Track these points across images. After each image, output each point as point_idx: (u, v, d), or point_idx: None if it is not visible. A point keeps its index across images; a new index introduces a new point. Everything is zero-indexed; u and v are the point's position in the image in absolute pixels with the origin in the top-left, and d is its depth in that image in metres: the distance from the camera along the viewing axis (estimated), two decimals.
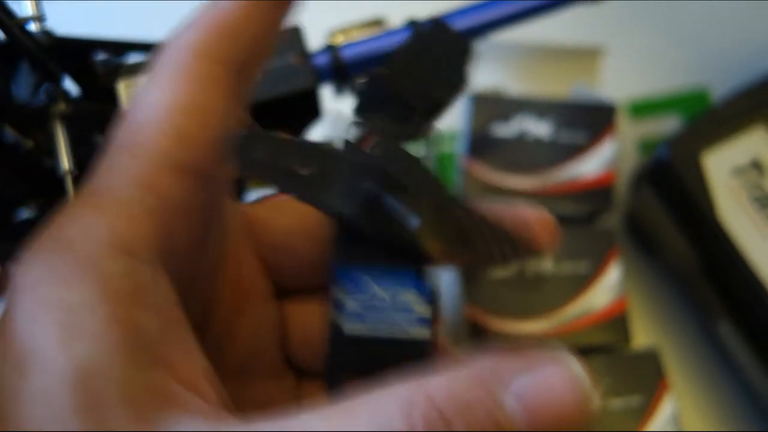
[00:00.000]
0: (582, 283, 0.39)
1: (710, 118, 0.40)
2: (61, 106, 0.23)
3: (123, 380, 0.16)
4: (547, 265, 0.40)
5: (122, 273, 0.17)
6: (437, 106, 0.21)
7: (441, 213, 0.18)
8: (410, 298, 0.18)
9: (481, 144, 0.42)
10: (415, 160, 0.20)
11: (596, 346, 0.38)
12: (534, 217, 0.21)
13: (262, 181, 0.18)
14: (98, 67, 0.26)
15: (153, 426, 0.16)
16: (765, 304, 0.37)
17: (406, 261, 0.18)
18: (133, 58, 0.28)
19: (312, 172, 0.18)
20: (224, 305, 0.22)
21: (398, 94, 0.20)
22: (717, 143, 0.40)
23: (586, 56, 0.48)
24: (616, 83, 0.49)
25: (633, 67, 0.50)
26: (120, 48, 0.27)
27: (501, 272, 0.39)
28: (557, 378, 0.16)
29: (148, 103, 0.19)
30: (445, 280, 0.44)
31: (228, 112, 0.19)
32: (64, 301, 0.16)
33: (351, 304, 0.18)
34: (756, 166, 0.39)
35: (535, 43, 0.47)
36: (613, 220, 0.45)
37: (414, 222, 0.17)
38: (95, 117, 0.25)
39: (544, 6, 0.32)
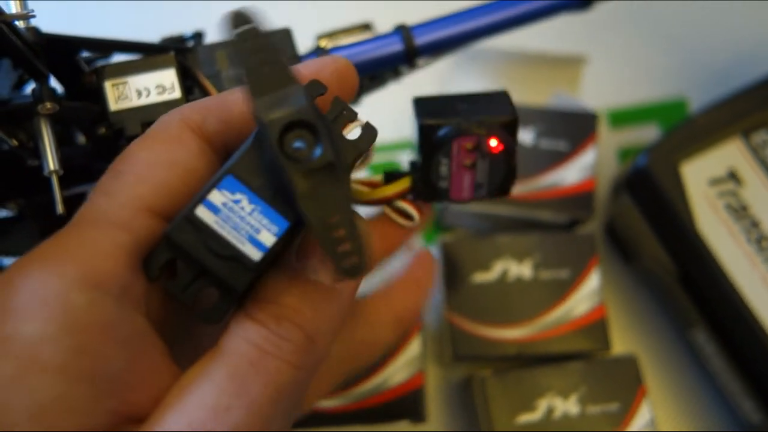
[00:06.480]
0: (562, 289, 0.40)
1: (688, 128, 0.41)
2: (48, 105, 0.23)
3: (83, 412, 0.17)
4: (525, 272, 0.40)
5: (88, 305, 0.18)
6: None
7: (328, 196, 0.18)
8: (265, 224, 0.19)
9: None
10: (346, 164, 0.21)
11: (576, 352, 0.39)
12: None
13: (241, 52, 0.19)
14: (84, 66, 0.26)
15: None
16: (740, 311, 0.38)
17: (286, 212, 0.20)
18: (119, 57, 0.28)
19: (270, 69, 0.19)
20: None
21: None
22: (695, 153, 0.40)
23: (567, 64, 0.48)
24: (596, 92, 0.49)
25: (613, 76, 0.50)
26: (106, 47, 0.27)
27: (483, 278, 0.40)
28: None
29: (131, 156, 0.20)
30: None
31: (205, 171, 0.21)
32: (19, 335, 0.17)
33: (215, 196, 0.19)
34: (732, 176, 0.40)
35: (517, 50, 0.47)
36: (593, 227, 0.45)
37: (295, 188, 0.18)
38: (80, 117, 0.25)
39: (532, 15, 0.32)
